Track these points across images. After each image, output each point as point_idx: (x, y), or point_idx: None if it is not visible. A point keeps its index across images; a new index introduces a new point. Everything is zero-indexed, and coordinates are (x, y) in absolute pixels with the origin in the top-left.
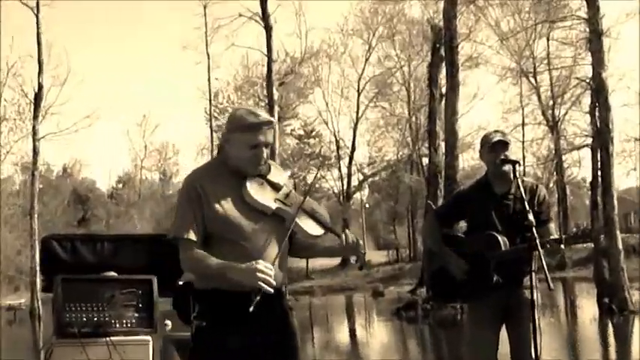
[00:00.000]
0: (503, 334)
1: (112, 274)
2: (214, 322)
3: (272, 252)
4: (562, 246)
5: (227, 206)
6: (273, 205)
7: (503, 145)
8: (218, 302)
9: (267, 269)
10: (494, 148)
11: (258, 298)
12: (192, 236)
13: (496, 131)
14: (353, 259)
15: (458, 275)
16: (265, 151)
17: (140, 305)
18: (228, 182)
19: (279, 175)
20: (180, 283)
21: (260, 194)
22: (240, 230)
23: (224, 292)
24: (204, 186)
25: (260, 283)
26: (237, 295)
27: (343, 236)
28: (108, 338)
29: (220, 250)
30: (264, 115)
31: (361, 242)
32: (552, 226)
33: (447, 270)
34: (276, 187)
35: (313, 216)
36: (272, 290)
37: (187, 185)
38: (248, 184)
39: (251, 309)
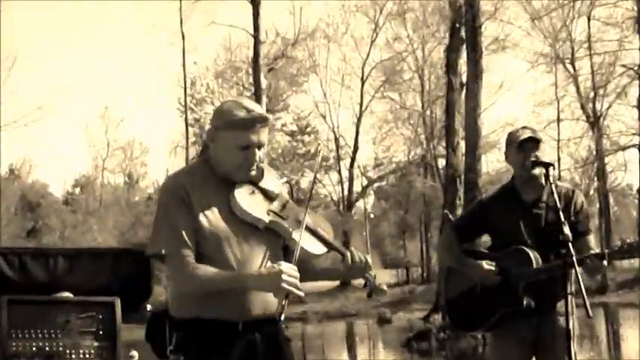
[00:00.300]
0: None
1: (67, 295)
2: (195, 357)
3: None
4: (604, 262)
5: (212, 218)
6: (267, 218)
7: (534, 143)
8: (200, 333)
9: (292, 271)
10: (522, 147)
11: (285, 303)
12: (187, 252)
13: (525, 127)
14: (363, 282)
15: (488, 281)
16: (258, 153)
17: (100, 332)
18: (214, 190)
19: (273, 181)
20: (149, 308)
21: (251, 205)
22: (227, 247)
23: (208, 321)
24: (187, 191)
25: (287, 286)
26: (222, 325)
27: (349, 255)
28: None
29: None
30: (258, 109)
31: (370, 262)
32: (592, 239)
33: (468, 293)
34: (269, 196)
35: (315, 232)
36: (303, 294)
37: (170, 189)
38: (237, 193)
39: (282, 317)
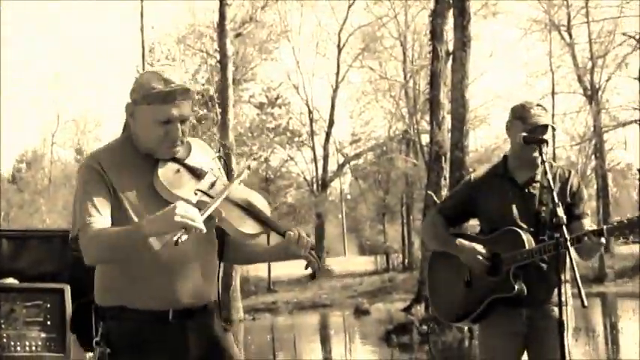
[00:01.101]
0: None
1: (12, 281)
2: (122, 348)
3: (196, 258)
4: (602, 240)
5: (132, 198)
6: (194, 198)
7: (544, 127)
8: (128, 324)
9: (189, 208)
10: (533, 130)
11: (182, 235)
12: (91, 218)
13: (539, 106)
14: (306, 263)
15: (476, 264)
16: (181, 128)
17: (48, 323)
18: (136, 168)
19: (201, 157)
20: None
21: (176, 184)
22: None
23: (135, 310)
24: (105, 168)
25: (181, 219)
26: (151, 314)
27: (289, 233)
28: None
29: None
30: (179, 80)
31: (313, 241)
32: (588, 223)
33: (453, 280)
34: (197, 174)
35: (247, 209)
36: (204, 228)
37: (84, 168)
38: (160, 172)
39: (175, 238)
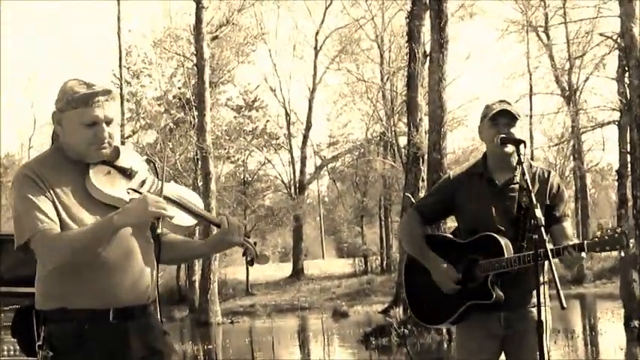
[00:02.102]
0: None
1: None
2: (65, 350)
3: (135, 258)
4: (583, 254)
5: (69, 204)
6: (126, 197)
7: (509, 119)
8: (68, 325)
9: (156, 197)
10: (495, 122)
11: (159, 224)
12: (44, 225)
13: (502, 101)
14: (243, 250)
15: (445, 286)
16: (107, 130)
17: None
18: (68, 175)
19: (130, 158)
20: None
21: (108, 185)
22: None
23: (75, 311)
24: (40, 176)
25: (155, 209)
26: (91, 314)
27: (223, 219)
28: None
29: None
30: (100, 84)
31: (246, 228)
32: (569, 225)
33: (431, 283)
34: (127, 174)
35: (180, 203)
36: (173, 215)
37: (18, 178)
38: (92, 174)
39: (158, 231)
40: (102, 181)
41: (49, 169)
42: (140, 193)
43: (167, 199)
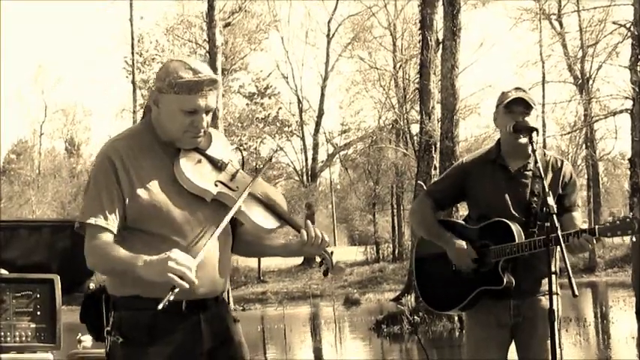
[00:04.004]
0: (513, 353)
1: (2, 271)
2: (134, 338)
3: (213, 252)
4: (594, 240)
5: (153, 188)
6: (214, 190)
7: (525, 107)
8: (140, 313)
9: (183, 259)
10: (510, 109)
11: (170, 296)
12: (101, 221)
13: (518, 89)
14: (319, 260)
15: (462, 264)
16: (205, 119)
17: (38, 313)
18: (156, 157)
19: (222, 149)
20: (92, 287)
21: (197, 175)
22: (170, 221)
23: (148, 300)
24: (123, 159)
25: (172, 276)
26: (164, 306)
27: (304, 230)
28: None
29: (141, 248)
30: (206, 70)
31: (327, 238)
32: (579, 215)
33: (442, 268)
34: (218, 166)
35: (266, 203)
36: (187, 286)
37: (101, 157)
38: (182, 161)
39: (160, 306)
40: (192, 170)
41: (137, 150)
42: (229, 187)
43: (254, 197)
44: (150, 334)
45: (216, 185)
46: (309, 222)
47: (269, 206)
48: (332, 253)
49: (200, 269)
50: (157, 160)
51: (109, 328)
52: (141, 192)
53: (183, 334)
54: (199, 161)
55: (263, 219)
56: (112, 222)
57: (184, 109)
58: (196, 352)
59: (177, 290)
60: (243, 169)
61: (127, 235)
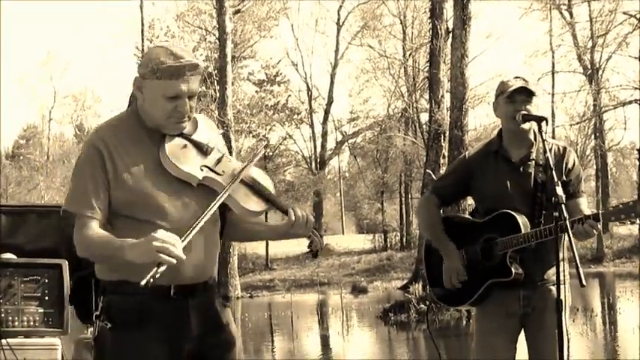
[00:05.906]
0: (521, 343)
1: (10, 256)
2: (123, 322)
3: (200, 237)
4: (599, 225)
5: (139, 174)
6: (200, 174)
7: (526, 95)
8: (128, 297)
9: (168, 236)
10: (512, 98)
11: (156, 274)
12: (87, 210)
13: (517, 77)
14: (308, 242)
15: (448, 281)
16: (189, 103)
17: (46, 298)
18: (142, 143)
19: (208, 134)
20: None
21: (183, 159)
22: (157, 206)
23: (136, 285)
24: (109, 146)
25: (158, 253)
26: (152, 289)
27: (291, 212)
28: (4, 340)
29: (128, 234)
30: (188, 56)
31: (313, 219)
32: (583, 201)
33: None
34: (203, 150)
35: (253, 187)
36: (174, 261)
37: (87, 145)
38: (167, 147)
39: (143, 282)
40: (177, 155)
41: (123, 137)
42: (215, 171)
43: (241, 181)
44: (138, 318)
45: (201, 170)
46: (296, 207)
47: (255, 189)
48: (322, 236)
49: (187, 253)
50: (143, 146)
51: (97, 313)
52: (127, 178)
53: (171, 319)
54: (185, 146)
55: (249, 202)
56: (98, 210)
57: (167, 94)
58: (185, 337)
59: (163, 268)
60: (231, 154)
61: (115, 222)
